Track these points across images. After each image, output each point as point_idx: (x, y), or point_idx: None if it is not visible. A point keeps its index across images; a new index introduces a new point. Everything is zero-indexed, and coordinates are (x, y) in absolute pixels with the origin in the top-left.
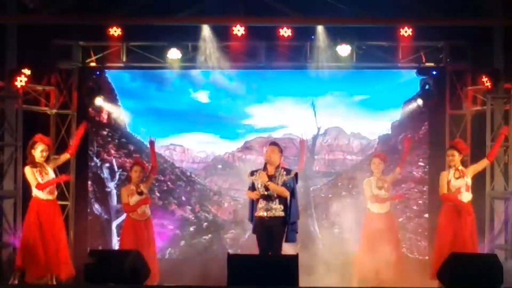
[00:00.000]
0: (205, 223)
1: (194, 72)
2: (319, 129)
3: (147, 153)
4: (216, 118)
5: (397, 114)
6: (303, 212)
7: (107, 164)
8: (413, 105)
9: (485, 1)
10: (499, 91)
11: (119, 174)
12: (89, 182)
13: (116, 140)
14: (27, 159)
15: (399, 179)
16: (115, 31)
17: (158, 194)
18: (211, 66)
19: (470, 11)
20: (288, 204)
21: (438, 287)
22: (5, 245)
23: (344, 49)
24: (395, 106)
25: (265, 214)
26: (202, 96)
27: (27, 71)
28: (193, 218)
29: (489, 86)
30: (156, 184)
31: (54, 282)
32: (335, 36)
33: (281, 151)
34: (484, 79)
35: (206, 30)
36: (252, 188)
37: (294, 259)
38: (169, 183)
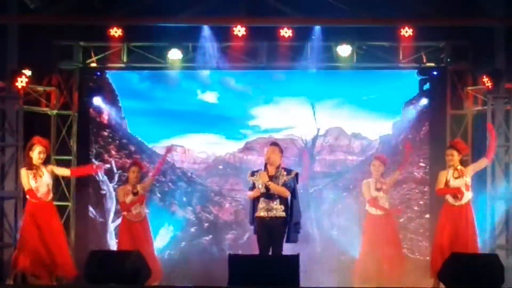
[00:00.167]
0: (206, 224)
1: (199, 73)
2: (318, 130)
3: (148, 153)
4: (222, 119)
5: (398, 115)
6: (302, 213)
7: (107, 166)
8: (414, 105)
9: (486, 1)
10: (500, 91)
11: (119, 175)
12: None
13: (117, 141)
14: (25, 161)
15: (400, 180)
16: (116, 32)
17: (159, 195)
18: (211, 66)
19: (471, 11)
20: (289, 205)
21: (437, 287)
22: (6, 245)
23: (344, 50)
24: (396, 107)
25: (265, 214)
26: (208, 97)
27: (28, 72)
28: (194, 219)
29: (490, 86)
30: (157, 185)
31: (55, 283)
32: (336, 36)
33: (281, 151)
34: (485, 79)
35: (206, 31)
36: (253, 188)
37: (295, 259)
38: (170, 183)
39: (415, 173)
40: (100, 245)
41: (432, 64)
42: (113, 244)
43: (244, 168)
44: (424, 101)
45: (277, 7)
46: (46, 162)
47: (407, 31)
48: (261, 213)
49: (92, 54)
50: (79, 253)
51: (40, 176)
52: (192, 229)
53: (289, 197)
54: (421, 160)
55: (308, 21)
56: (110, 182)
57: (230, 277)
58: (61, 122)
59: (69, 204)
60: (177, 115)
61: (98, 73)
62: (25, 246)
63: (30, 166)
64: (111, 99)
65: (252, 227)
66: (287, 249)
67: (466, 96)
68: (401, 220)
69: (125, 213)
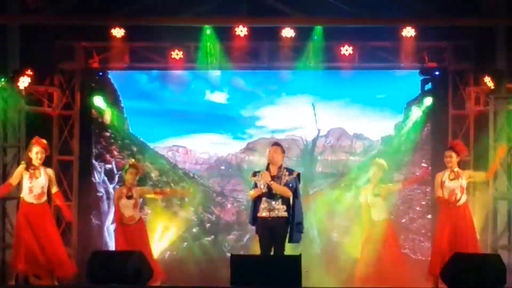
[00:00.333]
0: (208, 224)
1: (204, 73)
2: (319, 130)
3: (150, 154)
4: (227, 119)
5: (400, 115)
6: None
7: (109, 166)
8: (416, 106)
9: (488, 1)
10: (502, 91)
11: (119, 176)
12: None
13: (119, 141)
14: (25, 160)
15: (401, 180)
16: (118, 32)
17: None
18: (213, 67)
19: (473, 11)
20: (291, 205)
21: (437, 287)
22: (8, 246)
23: (346, 50)
24: (398, 107)
25: (267, 214)
26: (214, 97)
27: (29, 72)
28: (196, 219)
29: (492, 86)
30: (159, 185)
31: (56, 283)
32: (338, 36)
33: (283, 151)
34: (487, 79)
35: (208, 31)
36: (255, 188)
37: (296, 259)
38: (172, 184)
39: (417, 174)
40: (101, 246)
41: (434, 64)
42: (112, 245)
43: (246, 168)
44: (426, 102)
45: (279, 7)
46: (47, 163)
47: (409, 31)
48: (263, 213)
49: (94, 54)
50: (81, 253)
51: (36, 177)
52: (194, 230)
53: (291, 197)
54: (423, 160)
55: (310, 21)
56: (111, 183)
57: (232, 277)
58: (63, 122)
59: (71, 203)
60: (180, 115)
61: (100, 74)
62: (20, 247)
63: (29, 165)
64: (113, 99)
65: (252, 228)
66: (287, 250)
67: (468, 96)
68: (403, 220)
69: (119, 215)
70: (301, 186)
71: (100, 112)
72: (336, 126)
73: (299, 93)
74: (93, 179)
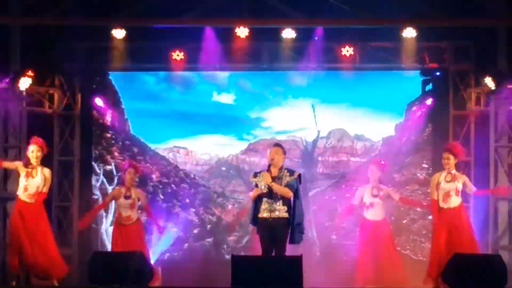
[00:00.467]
0: (209, 225)
1: (213, 74)
2: (319, 132)
3: (151, 155)
4: (231, 120)
5: (401, 116)
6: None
7: (109, 167)
8: (417, 106)
9: (489, 2)
10: (502, 91)
11: (119, 178)
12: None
13: (120, 143)
14: (24, 159)
15: (402, 181)
16: (119, 33)
17: (162, 197)
18: (213, 67)
19: (474, 11)
20: (292, 205)
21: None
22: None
23: (347, 50)
24: (398, 108)
25: (268, 215)
26: (222, 99)
27: (30, 73)
28: (197, 220)
29: (493, 87)
30: (160, 186)
31: (56, 283)
32: (338, 37)
33: (284, 152)
34: (488, 79)
35: (209, 32)
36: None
37: (297, 260)
38: (173, 185)
39: (418, 175)
40: (97, 249)
41: (435, 65)
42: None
43: (247, 169)
44: (427, 102)
45: (280, 8)
46: (48, 164)
47: (409, 32)
48: (264, 214)
49: (95, 55)
50: (82, 254)
51: (32, 176)
52: (195, 231)
53: (292, 198)
54: (424, 161)
55: (311, 22)
56: (110, 184)
57: (233, 278)
58: (64, 123)
59: (72, 204)
60: (183, 117)
61: (104, 74)
62: (14, 246)
63: (27, 164)
64: (114, 100)
65: (252, 229)
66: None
67: (469, 96)
68: (404, 221)
69: (116, 215)
70: (301, 187)
71: (101, 113)
72: (337, 127)
73: (303, 95)
74: (92, 180)
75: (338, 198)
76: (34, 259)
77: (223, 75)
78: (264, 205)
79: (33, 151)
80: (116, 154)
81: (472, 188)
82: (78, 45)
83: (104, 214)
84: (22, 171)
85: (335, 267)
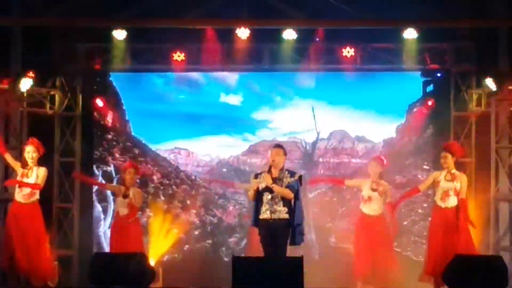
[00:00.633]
0: (210, 227)
1: (216, 75)
2: (318, 133)
3: (152, 156)
4: (238, 121)
5: (401, 117)
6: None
7: (108, 169)
8: (418, 108)
9: (490, 3)
10: (503, 92)
11: (117, 180)
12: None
13: (121, 144)
14: (22, 160)
15: (403, 182)
16: (120, 34)
17: (163, 198)
18: (214, 68)
19: (475, 12)
20: (292, 207)
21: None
22: None
23: (348, 51)
24: (400, 109)
25: (269, 216)
26: (227, 100)
27: (31, 74)
28: (197, 222)
29: (494, 88)
30: (161, 187)
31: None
32: (339, 38)
33: (285, 153)
34: (489, 81)
35: (210, 33)
36: (256, 190)
37: (298, 261)
38: (174, 186)
39: (419, 176)
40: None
41: (436, 66)
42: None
43: (248, 171)
44: (428, 103)
45: (281, 9)
46: (49, 165)
47: (410, 33)
48: (265, 215)
49: (96, 56)
50: (83, 254)
51: (27, 177)
52: (196, 232)
53: (292, 199)
54: (425, 162)
55: (312, 23)
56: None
57: (233, 279)
58: (64, 124)
59: (73, 206)
60: (183, 118)
61: (103, 75)
62: (6, 248)
63: (24, 165)
64: (115, 101)
65: (247, 232)
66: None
67: (470, 97)
68: (405, 223)
69: (115, 214)
70: (301, 188)
71: (102, 114)
72: (338, 129)
73: (304, 96)
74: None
75: (338, 200)
76: (25, 260)
77: (225, 76)
78: (265, 206)
79: (29, 151)
80: (117, 155)
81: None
82: (79, 46)
83: (103, 216)
84: (19, 172)
85: (334, 270)
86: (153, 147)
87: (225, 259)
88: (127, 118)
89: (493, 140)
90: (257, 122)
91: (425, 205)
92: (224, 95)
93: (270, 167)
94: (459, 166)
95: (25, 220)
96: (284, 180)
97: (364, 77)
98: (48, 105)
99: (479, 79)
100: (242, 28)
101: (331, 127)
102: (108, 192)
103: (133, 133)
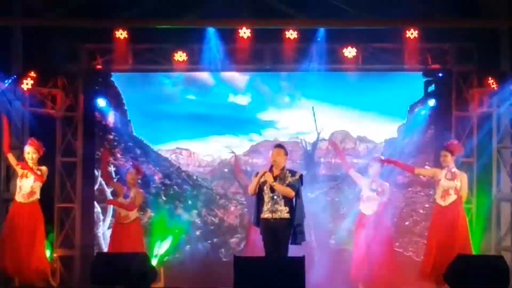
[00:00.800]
0: (212, 227)
1: (219, 76)
2: (319, 134)
3: (154, 157)
4: (239, 121)
5: (403, 117)
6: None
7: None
8: (419, 108)
9: (491, 3)
10: (505, 92)
11: (117, 181)
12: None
13: (123, 144)
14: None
15: (405, 182)
16: (121, 34)
17: (164, 198)
18: (216, 68)
19: (476, 12)
20: (294, 206)
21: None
22: None
23: (349, 52)
24: (401, 109)
25: (270, 216)
26: (238, 100)
27: (33, 74)
28: (199, 222)
29: (495, 88)
30: (163, 188)
31: (55, 284)
32: (341, 38)
33: (286, 153)
34: (490, 80)
35: (211, 33)
36: (257, 184)
37: (300, 261)
38: (175, 187)
39: (421, 176)
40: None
41: (438, 66)
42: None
43: (250, 171)
44: (429, 103)
45: (282, 9)
46: (51, 165)
47: (412, 33)
48: (266, 214)
49: (98, 56)
50: (85, 254)
51: (27, 177)
52: (197, 232)
53: (293, 199)
54: (427, 163)
55: (313, 23)
56: (108, 187)
57: (235, 279)
58: (66, 124)
59: (75, 206)
60: (185, 118)
61: (105, 75)
62: (5, 245)
63: (24, 165)
64: (117, 101)
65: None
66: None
67: (472, 98)
68: (407, 223)
69: (116, 214)
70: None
71: (103, 115)
72: (340, 129)
73: (305, 96)
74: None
75: (340, 200)
76: (26, 259)
77: (232, 77)
78: (266, 206)
79: (29, 152)
80: (118, 155)
81: (465, 194)
82: (80, 46)
83: (102, 217)
84: (19, 172)
85: (332, 272)
86: (154, 147)
87: (227, 259)
88: (128, 118)
89: (494, 140)
90: (263, 122)
91: (426, 205)
92: (232, 95)
93: (271, 167)
94: (460, 166)
95: (24, 220)
96: (285, 179)
97: (366, 77)
98: (49, 105)
99: (480, 79)
100: (244, 28)
101: (332, 127)
102: (108, 193)
103: (134, 133)
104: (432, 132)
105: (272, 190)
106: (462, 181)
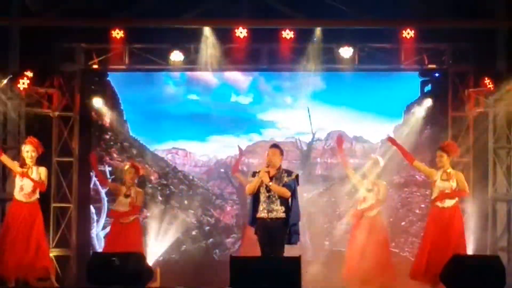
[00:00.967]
0: (208, 227)
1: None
2: (314, 134)
3: (150, 157)
4: (238, 121)
5: (399, 117)
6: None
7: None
8: (415, 108)
9: (488, 3)
10: (501, 93)
11: (111, 181)
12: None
13: (119, 144)
14: (20, 159)
15: (401, 182)
16: (118, 34)
17: (160, 198)
18: (212, 68)
19: (473, 13)
20: (290, 206)
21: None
22: None
23: (346, 51)
24: (397, 109)
25: (266, 215)
26: (241, 100)
27: (29, 74)
28: (195, 222)
29: (492, 88)
30: (159, 188)
31: (55, 284)
32: (337, 38)
33: (282, 153)
34: (487, 81)
35: (208, 32)
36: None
37: (296, 261)
38: (171, 187)
39: (417, 177)
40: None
41: (434, 66)
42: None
43: (245, 171)
44: (426, 103)
45: (279, 9)
46: (47, 164)
47: (408, 33)
48: (262, 214)
49: (94, 56)
50: (81, 254)
51: (27, 178)
52: (193, 232)
53: (289, 199)
54: (423, 163)
55: (310, 23)
56: (103, 188)
57: (231, 279)
58: (62, 124)
59: (71, 206)
60: (182, 118)
61: (101, 75)
62: (6, 245)
63: (22, 165)
64: (113, 101)
65: (242, 233)
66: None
67: (468, 98)
68: (403, 223)
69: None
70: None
71: (100, 114)
72: (336, 129)
73: (302, 96)
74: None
75: (336, 200)
76: (27, 259)
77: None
78: (262, 206)
79: (28, 151)
80: (115, 155)
81: (464, 191)
82: (77, 46)
83: (96, 218)
84: (18, 171)
85: (326, 272)
86: (150, 147)
87: (223, 259)
88: (125, 118)
89: (490, 140)
90: (263, 122)
91: (422, 205)
92: (234, 96)
93: (267, 167)
94: (456, 166)
95: (26, 219)
96: (282, 179)
97: (362, 77)
98: (46, 105)
99: (477, 79)
100: (241, 28)
101: (329, 127)
102: (103, 194)
103: (131, 133)
104: (428, 132)
105: (268, 189)
106: (458, 179)
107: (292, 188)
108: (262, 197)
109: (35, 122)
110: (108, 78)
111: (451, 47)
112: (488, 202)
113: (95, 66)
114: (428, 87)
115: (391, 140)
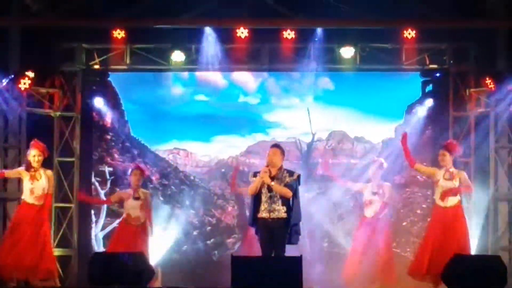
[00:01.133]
0: (209, 227)
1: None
2: (314, 135)
3: (151, 157)
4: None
5: (401, 118)
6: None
7: (102, 170)
8: (417, 108)
9: (489, 3)
10: (502, 92)
11: (111, 182)
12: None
13: (120, 144)
14: (25, 162)
15: (402, 183)
16: (119, 33)
17: (161, 198)
18: (213, 68)
19: (474, 13)
20: (291, 206)
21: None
22: None
23: (347, 51)
24: (399, 109)
25: (267, 215)
26: (248, 100)
27: (30, 74)
28: (196, 222)
29: (493, 88)
30: (160, 188)
31: (57, 284)
32: (339, 38)
33: (283, 153)
34: (488, 81)
35: (209, 32)
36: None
37: (297, 260)
38: (173, 187)
39: (418, 177)
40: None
41: (435, 66)
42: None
43: (247, 171)
44: (427, 103)
45: (280, 9)
46: (48, 164)
47: (410, 33)
48: (263, 214)
49: (95, 56)
50: (82, 254)
51: (37, 179)
52: (195, 232)
53: (291, 199)
54: (424, 163)
55: (311, 23)
56: (102, 188)
57: (233, 278)
58: (64, 123)
59: (72, 205)
60: (184, 118)
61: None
62: (9, 245)
63: (28, 167)
64: (114, 101)
65: (241, 233)
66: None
67: (469, 98)
68: (404, 224)
69: (125, 216)
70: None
71: (101, 115)
72: (337, 129)
73: (302, 96)
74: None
75: (337, 202)
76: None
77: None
78: (263, 206)
79: (35, 155)
80: (116, 155)
81: (469, 189)
82: (78, 46)
83: (95, 219)
84: (26, 175)
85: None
86: (152, 147)
87: (224, 259)
88: (126, 118)
89: (492, 140)
90: (269, 123)
91: (424, 205)
92: (242, 96)
93: (267, 167)
94: (458, 166)
95: (35, 220)
96: (283, 179)
97: (363, 77)
98: (47, 105)
99: (478, 79)
100: (241, 28)
101: (330, 127)
102: (102, 195)
103: (132, 134)
104: (429, 132)
105: (270, 190)
106: (462, 178)
107: (294, 188)
108: (264, 197)
109: (36, 122)
110: (109, 78)
111: (452, 47)
112: (489, 202)
113: (96, 66)
114: (429, 87)
115: (404, 137)
